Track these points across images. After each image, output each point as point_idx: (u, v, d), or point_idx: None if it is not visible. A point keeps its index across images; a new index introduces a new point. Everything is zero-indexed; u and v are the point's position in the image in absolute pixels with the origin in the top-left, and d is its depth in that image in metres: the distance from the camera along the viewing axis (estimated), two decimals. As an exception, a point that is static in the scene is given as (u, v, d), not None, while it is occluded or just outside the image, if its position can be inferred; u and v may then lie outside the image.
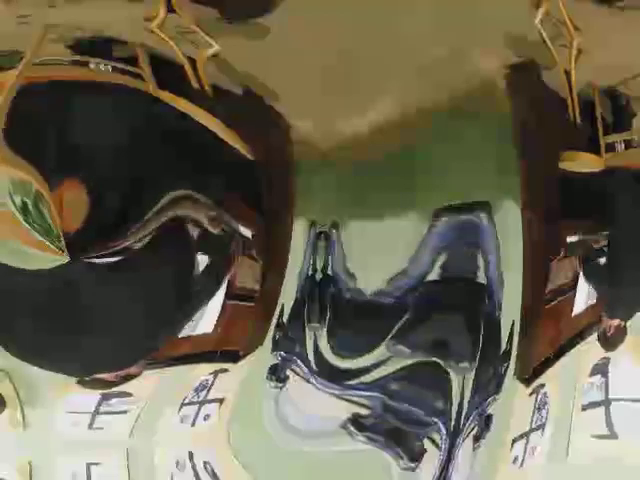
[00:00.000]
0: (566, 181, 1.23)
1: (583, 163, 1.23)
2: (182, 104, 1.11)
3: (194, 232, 1.14)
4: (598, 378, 1.27)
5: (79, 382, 1.14)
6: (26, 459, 1.23)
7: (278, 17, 1.16)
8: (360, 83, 1.23)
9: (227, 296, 1.18)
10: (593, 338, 1.27)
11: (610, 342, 1.27)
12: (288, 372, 1.24)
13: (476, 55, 1.23)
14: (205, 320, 1.19)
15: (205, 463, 1.24)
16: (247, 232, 1.19)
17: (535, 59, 1.22)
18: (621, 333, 1.27)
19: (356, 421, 1.22)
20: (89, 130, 1.08)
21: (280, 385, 1.24)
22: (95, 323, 1.07)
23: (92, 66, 1.10)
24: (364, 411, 1.23)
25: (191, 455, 1.24)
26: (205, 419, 1.22)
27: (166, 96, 1.10)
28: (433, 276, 1.24)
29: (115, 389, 1.17)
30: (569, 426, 1.25)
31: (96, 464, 1.22)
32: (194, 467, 1.24)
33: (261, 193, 1.20)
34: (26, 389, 1.21)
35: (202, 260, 1.15)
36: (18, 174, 0.94)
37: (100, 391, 1.16)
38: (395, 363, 1.22)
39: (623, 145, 1.25)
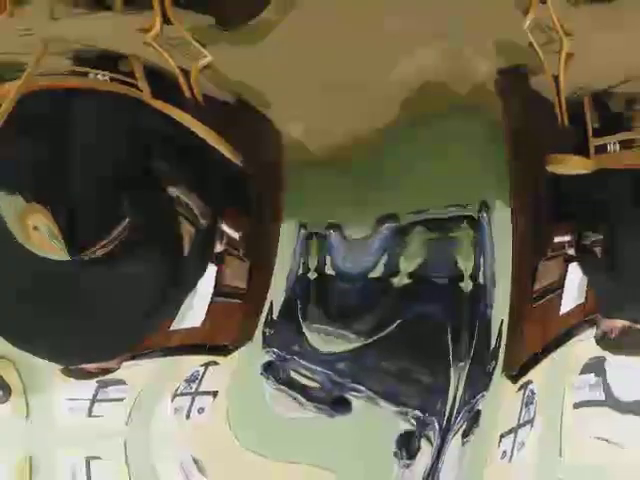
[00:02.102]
0: (554, 182, 1.28)
1: (571, 165, 1.27)
2: (175, 112, 1.19)
3: (185, 230, 1.23)
4: (592, 377, 1.29)
5: (62, 371, 1.24)
6: (27, 452, 1.30)
7: (271, 22, 1.23)
8: (355, 84, 1.29)
9: (215, 293, 1.26)
10: (585, 336, 1.29)
11: (616, 343, 1.28)
12: (293, 374, 1.31)
13: (470, 59, 1.29)
14: (193, 315, 1.27)
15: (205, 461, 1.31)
16: (235, 234, 1.28)
17: (524, 64, 1.27)
18: (631, 334, 1.28)
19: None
20: (85, 132, 1.18)
21: (284, 389, 1.31)
22: (79, 317, 1.17)
23: (91, 76, 1.19)
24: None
25: (193, 455, 1.31)
26: (200, 412, 1.30)
27: (160, 105, 1.19)
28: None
29: (110, 377, 1.25)
30: (560, 424, 1.28)
31: (96, 458, 1.29)
32: (198, 466, 1.31)
33: (250, 197, 1.27)
34: (30, 376, 1.28)
35: (189, 258, 1.24)
36: (43, 220, 1.14)
37: (85, 380, 1.25)
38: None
39: (618, 146, 1.26)
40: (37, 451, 1.30)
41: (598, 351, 1.29)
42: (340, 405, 1.30)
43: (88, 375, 1.24)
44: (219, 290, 1.26)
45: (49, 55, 1.18)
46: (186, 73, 1.19)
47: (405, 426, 1.29)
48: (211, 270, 1.26)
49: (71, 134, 1.19)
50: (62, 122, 1.19)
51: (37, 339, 1.19)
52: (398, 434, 1.29)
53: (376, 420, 1.31)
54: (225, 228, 1.26)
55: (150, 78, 1.20)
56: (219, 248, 1.26)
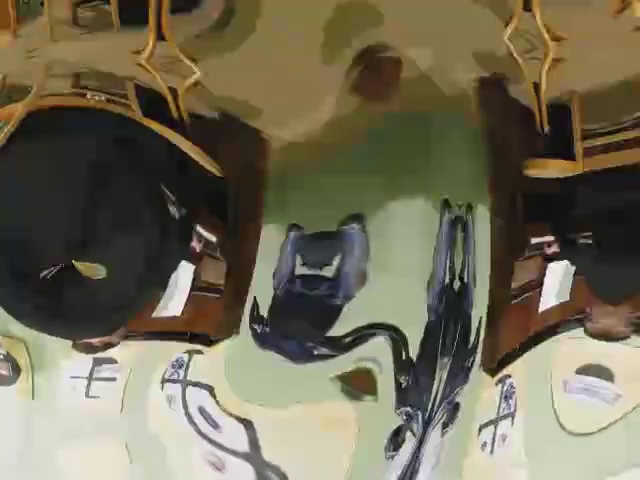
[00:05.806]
0: (533, 185, 1.38)
1: (553, 169, 1.36)
2: (163, 130, 1.37)
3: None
4: (603, 381, 1.33)
5: (73, 345, 1.43)
6: (31, 438, 1.45)
7: (258, 26, 1.38)
8: (341, 86, 1.42)
9: (193, 288, 1.43)
10: (573, 334, 1.36)
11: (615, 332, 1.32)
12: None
13: (461, 61, 1.41)
14: (174, 305, 1.43)
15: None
16: (212, 237, 1.44)
17: (505, 73, 1.39)
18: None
19: None
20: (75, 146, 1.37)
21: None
22: (81, 299, 1.37)
23: (88, 96, 1.38)
24: None
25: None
26: (199, 409, 1.44)
27: (149, 123, 1.36)
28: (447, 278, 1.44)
29: (103, 355, 1.43)
30: (554, 421, 1.34)
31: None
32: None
33: (228, 201, 1.43)
34: (37, 355, 1.45)
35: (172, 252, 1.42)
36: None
37: (90, 355, 1.44)
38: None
39: (609, 148, 1.34)
40: (40, 438, 1.46)
41: (598, 352, 1.34)
42: None
43: (93, 348, 1.42)
44: (196, 285, 1.43)
45: (50, 77, 1.36)
46: (174, 92, 1.37)
47: (398, 422, 1.42)
48: (189, 268, 1.43)
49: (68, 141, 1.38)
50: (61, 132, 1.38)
51: (44, 318, 1.38)
52: (391, 430, 1.42)
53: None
54: (202, 230, 1.42)
55: (142, 96, 1.37)
56: (197, 248, 1.42)
